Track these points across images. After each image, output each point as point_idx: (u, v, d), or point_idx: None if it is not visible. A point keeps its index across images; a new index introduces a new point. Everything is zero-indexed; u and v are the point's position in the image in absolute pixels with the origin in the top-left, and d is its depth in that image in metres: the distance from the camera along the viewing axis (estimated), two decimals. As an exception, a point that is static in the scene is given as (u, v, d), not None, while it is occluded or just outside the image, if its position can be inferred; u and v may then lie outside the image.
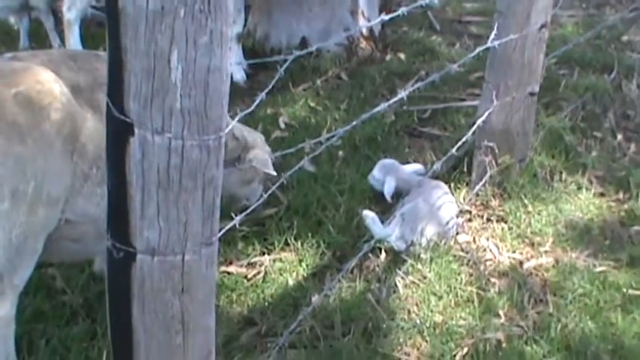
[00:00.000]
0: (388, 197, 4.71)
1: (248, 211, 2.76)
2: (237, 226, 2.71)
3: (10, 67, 3.26)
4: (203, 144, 2.27)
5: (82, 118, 3.27)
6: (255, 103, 2.59)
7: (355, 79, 6.76)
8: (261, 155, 4.13)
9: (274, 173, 4.06)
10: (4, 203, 3.08)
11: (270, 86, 2.66)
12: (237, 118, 2.60)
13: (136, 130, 2.23)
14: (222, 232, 2.50)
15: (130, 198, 2.32)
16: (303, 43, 7.24)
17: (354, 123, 3.38)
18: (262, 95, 2.62)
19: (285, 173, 3.19)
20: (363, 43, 7.21)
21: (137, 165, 2.27)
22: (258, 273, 4.21)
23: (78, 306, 3.82)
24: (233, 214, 2.67)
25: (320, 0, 7.20)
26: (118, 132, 2.27)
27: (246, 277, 4.18)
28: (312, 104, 6.25)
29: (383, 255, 4.33)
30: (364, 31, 7.22)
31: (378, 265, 4.25)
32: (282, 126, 5.83)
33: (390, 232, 4.37)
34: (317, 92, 6.52)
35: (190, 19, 2.12)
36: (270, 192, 2.89)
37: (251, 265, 4.29)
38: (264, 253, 4.37)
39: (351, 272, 4.14)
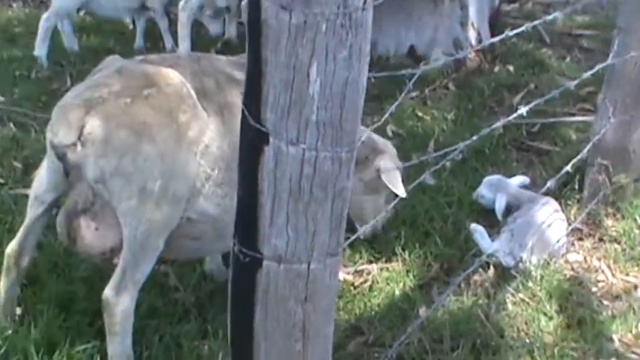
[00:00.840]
0: (499, 215, 4.67)
1: (372, 223, 2.78)
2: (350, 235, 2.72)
3: (141, 69, 3.37)
4: (336, 156, 2.30)
5: (206, 120, 3.36)
6: (385, 116, 2.62)
7: (463, 90, 6.74)
8: (391, 166, 4.02)
9: (403, 194, 3.89)
10: (132, 200, 3.20)
11: (399, 100, 2.68)
12: (369, 130, 2.63)
13: (271, 140, 2.28)
14: (347, 243, 2.53)
15: (260, 205, 2.37)
16: (411, 51, 7.26)
17: (474, 137, 3.37)
18: (392, 109, 2.65)
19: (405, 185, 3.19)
20: (472, 54, 7.19)
21: (270, 174, 2.32)
22: (365, 281, 4.23)
23: (190, 304, 3.89)
24: (358, 226, 2.70)
25: (430, 9, 7.21)
26: (253, 140, 2.32)
27: (353, 284, 4.20)
28: (419, 113, 6.25)
29: (491, 270, 4.30)
30: (473, 42, 7.21)
31: (486, 280, 4.22)
32: (390, 134, 5.84)
33: (498, 248, 4.34)
34: (424, 101, 6.52)
35: (332, 34, 2.16)
36: (392, 204, 2.89)
37: (358, 272, 4.31)
38: (371, 262, 4.39)
39: (459, 286, 4.12)
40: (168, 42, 7.75)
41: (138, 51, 7.68)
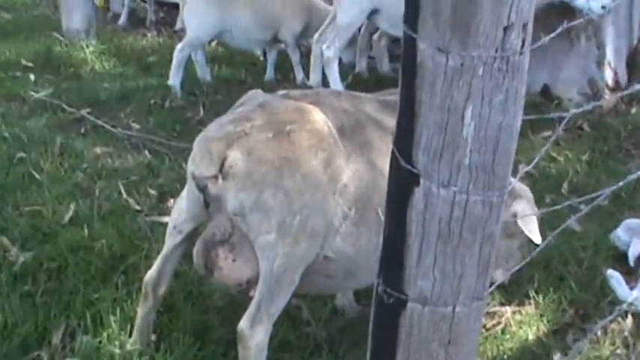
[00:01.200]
0: (631, 261, 4.54)
1: (516, 269, 2.73)
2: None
3: (284, 105, 3.41)
4: (487, 200, 2.27)
5: (345, 159, 3.35)
6: (536, 160, 2.56)
7: (598, 131, 6.59)
8: (529, 211, 3.93)
9: (539, 240, 3.79)
10: (271, 234, 3.22)
11: (548, 144, 2.62)
12: (520, 174, 2.59)
13: (422, 181, 2.27)
14: (492, 288, 2.49)
15: (407, 246, 2.36)
16: (545, 90, 7.15)
17: (620, 183, 3.26)
18: (541, 152, 2.59)
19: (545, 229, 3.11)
20: (608, 95, 7.03)
21: (419, 215, 2.30)
22: (498, 324, 4.15)
23: (322, 339, 3.90)
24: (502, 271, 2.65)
25: (566, 48, 7.10)
26: (403, 181, 2.32)
27: (485, 326, 4.12)
28: (552, 154, 6.14)
29: (629, 319, 4.16)
30: (609, 82, 7.06)
31: (624, 329, 4.09)
32: (522, 174, 5.73)
33: (638, 296, 4.20)
34: (557, 142, 6.40)
35: (488, 77, 2.14)
36: (534, 253, 2.82)
37: (490, 314, 4.23)
38: (503, 304, 4.31)
39: (595, 333, 4.00)
40: (299, 74, 7.84)
41: (268, 82, 7.81)
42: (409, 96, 2.25)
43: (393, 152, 2.35)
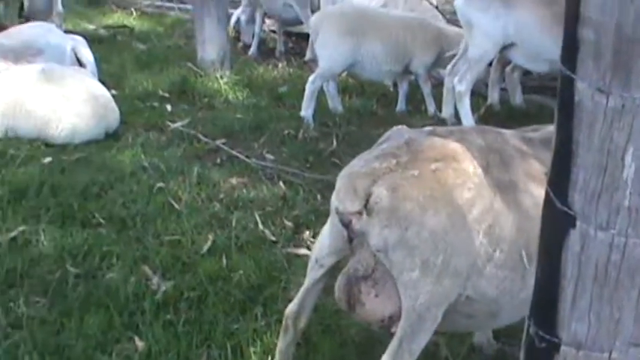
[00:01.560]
0: None
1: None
2: None
3: (430, 142, 3.40)
4: (646, 243, 2.22)
5: (491, 199, 3.30)
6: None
7: None
8: None
9: None
10: (414, 272, 3.21)
11: None
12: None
13: (578, 223, 2.24)
14: (649, 334, 2.42)
15: (561, 288, 2.32)
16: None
17: None
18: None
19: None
20: None
21: (574, 257, 2.27)
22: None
23: (460, 377, 3.87)
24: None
25: None
26: (558, 223, 2.29)
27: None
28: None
29: None
30: None
31: None
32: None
33: None
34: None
35: (651, 119, 2.10)
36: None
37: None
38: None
39: None
40: (430, 106, 7.80)
41: (400, 114, 7.81)
42: (566, 136, 2.23)
43: (547, 193, 2.33)
